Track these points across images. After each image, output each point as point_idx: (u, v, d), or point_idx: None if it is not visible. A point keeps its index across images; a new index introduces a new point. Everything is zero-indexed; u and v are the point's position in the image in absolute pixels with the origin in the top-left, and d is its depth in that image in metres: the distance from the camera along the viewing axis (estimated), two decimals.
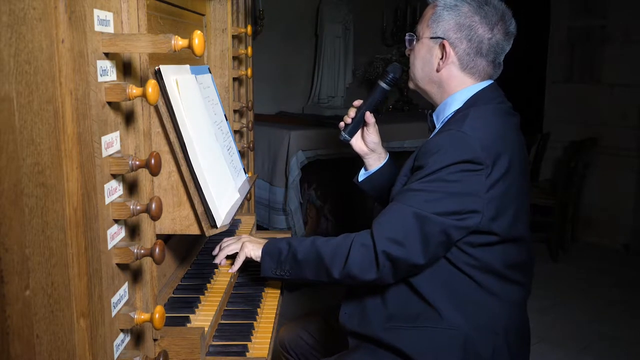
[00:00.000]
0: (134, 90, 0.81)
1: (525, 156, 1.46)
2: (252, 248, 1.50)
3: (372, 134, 1.67)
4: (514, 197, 1.35)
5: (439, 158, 1.29)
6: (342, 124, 1.68)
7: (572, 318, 3.40)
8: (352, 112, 1.65)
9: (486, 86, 1.44)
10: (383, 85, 1.61)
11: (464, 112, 1.37)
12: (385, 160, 1.73)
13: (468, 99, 1.42)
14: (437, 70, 1.44)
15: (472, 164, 1.27)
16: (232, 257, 1.55)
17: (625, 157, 4.53)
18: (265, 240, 1.52)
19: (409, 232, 1.29)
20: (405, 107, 4.75)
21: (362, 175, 1.75)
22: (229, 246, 1.55)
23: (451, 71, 1.43)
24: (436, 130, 1.47)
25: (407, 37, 1.51)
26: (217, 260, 1.55)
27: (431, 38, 1.43)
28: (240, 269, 1.55)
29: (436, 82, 1.46)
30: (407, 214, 1.29)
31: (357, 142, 1.69)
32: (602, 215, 4.67)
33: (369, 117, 1.63)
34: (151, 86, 0.81)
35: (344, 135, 1.66)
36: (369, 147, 1.69)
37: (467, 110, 1.38)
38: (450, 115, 1.43)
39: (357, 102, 1.66)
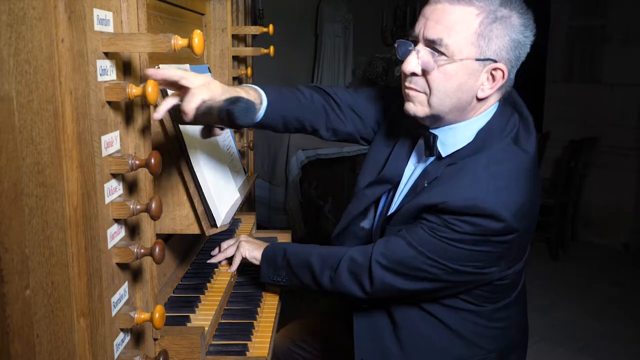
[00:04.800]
0: (134, 89, 0.81)
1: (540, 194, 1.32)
2: (248, 248, 1.50)
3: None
4: (525, 243, 1.29)
5: (468, 226, 1.15)
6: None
7: (572, 317, 3.40)
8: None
9: (496, 110, 1.26)
10: None
11: (483, 163, 1.19)
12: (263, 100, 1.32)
13: (479, 130, 1.24)
14: (479, 98, 1.21)
15: (504, 232, 1.16)
16: (230, 258, 1.56)
17: (625, 156, 4.53)
18: (262, 242, 1.52)
19: (417, 270, 1.22)
20: None
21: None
22: (228, 249, 1.55)
23: (491, 96, 1.23)
24: (441, 163, 1.26)
25: (428, 58, 1.17)
26: (214, 260, 1.56)
27: (477, 60, 1.15)
28: (240, 269, 1.55)
29: (463, 109, 1.22)
30: (420, 258, 1.21)
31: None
32: (602, 214, 4.67)
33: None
34: (151, 86, 0.81)
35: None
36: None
37: (484, 155, 1.20)
38: (459, 149, 1.25)
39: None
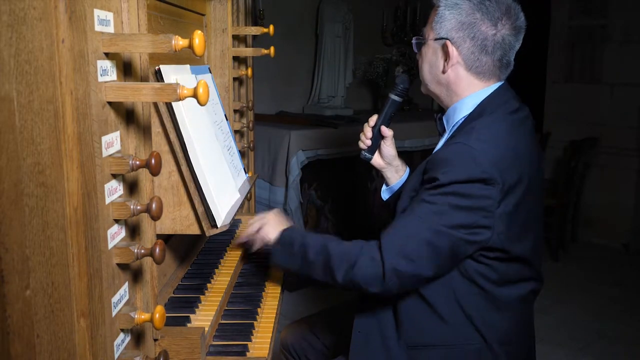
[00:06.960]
0: (185, 90, 0.79)
1: (539, 171, 1.41)
2: (267, 231, 1.51)
3: (389, 146, 1.68)
4: (525, 214, 1.33)
5: (448, 173, 1.27)
6: (361, 143, 1.69)
7: (572, 317, 3.40)
8: (368, 132, 1.66)
9: (495, 89, 1.41)
10: (394, 97, 1.62)
11: (472, 124, 1.35)
12: (406, 174, 1.72)
13: (477, 105, 1.40)
14: (443, 72, 1.42)
15: (483, 180, 1.25)
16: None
17: (625, 156, 4.53)
18: (285, 224, 1.52)
19: (419, 246, 1.27)
20: (405, 106, 4.75)
21: (385, 192, 1.75)
22: (254, 224, 1.56)
23: (458, 72, 1.41)
24: (446, 136, 1.45)
25: (413, 41, 1.50)
26: (239, 241, 1.64)
27: (435, 39, 1.41)
28: (240, 270, 1.55)
29: (444, 85, 1.45)
30: (417, 228, 1.28)
31: (374, 157, 1.70)
32: (602, 214, 4.67)
33: (386, 130, 1.63)
34: (202, 87, 0.80)
35: (365, 154, 1.68)
36: (386, 160, 1.70)
37: (476, 121, 1.36)
38: (460, 121, 1.42)
39: (372, 120, 1.65)
